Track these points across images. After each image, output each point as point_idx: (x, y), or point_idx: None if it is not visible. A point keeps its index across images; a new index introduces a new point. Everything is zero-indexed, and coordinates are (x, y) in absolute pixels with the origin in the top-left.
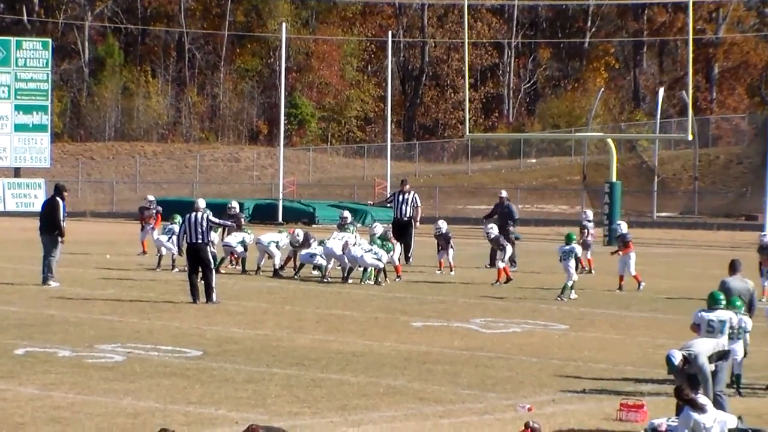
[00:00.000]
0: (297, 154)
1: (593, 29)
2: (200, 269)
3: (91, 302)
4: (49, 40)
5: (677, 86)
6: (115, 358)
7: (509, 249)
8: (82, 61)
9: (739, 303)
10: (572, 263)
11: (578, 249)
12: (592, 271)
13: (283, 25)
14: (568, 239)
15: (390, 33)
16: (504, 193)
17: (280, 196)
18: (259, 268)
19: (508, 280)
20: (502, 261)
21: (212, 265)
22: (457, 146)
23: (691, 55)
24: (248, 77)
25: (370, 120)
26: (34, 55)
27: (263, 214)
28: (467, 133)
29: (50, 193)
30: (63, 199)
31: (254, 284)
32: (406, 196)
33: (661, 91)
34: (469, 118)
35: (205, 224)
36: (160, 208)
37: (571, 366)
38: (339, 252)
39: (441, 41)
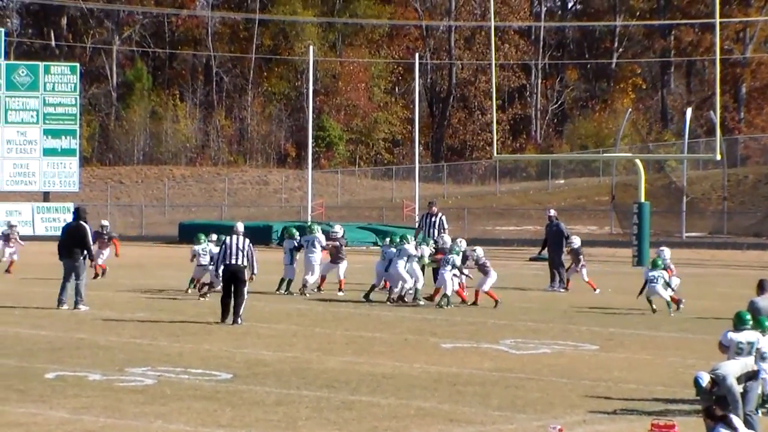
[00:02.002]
0: (325, 177)
1: (620, 50)
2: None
3: (121, 325)
4: (77, 64)
5: (705, 106)
6: (145, 381)
7: (493, 275)
8: (110, 85)
9: (767, 323)
10: (659, 288)
11: (665, 274)
12: (568, 289)
13: (311, 47)
14: (654, 264)
15: (417, 55)
16: (552, 212)
17: (309, 219)
18: (304, 286)
19: (476, 302)
20: (485, 285)
21: (246, 288)
22: (485, 168)
23: (718, 75)
24: (276, 100)
25: (398, 142)
26: (62, 79)
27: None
28: (495, 154)
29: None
30: (86, 222)
31: (284, 306)
32: (433, 218)
33: (689, 111)
34: (497, 140)
35: (245, 247)
36: (115, 234)
37: (602, 386)
38: (403, 272)
39: (468, 63)
